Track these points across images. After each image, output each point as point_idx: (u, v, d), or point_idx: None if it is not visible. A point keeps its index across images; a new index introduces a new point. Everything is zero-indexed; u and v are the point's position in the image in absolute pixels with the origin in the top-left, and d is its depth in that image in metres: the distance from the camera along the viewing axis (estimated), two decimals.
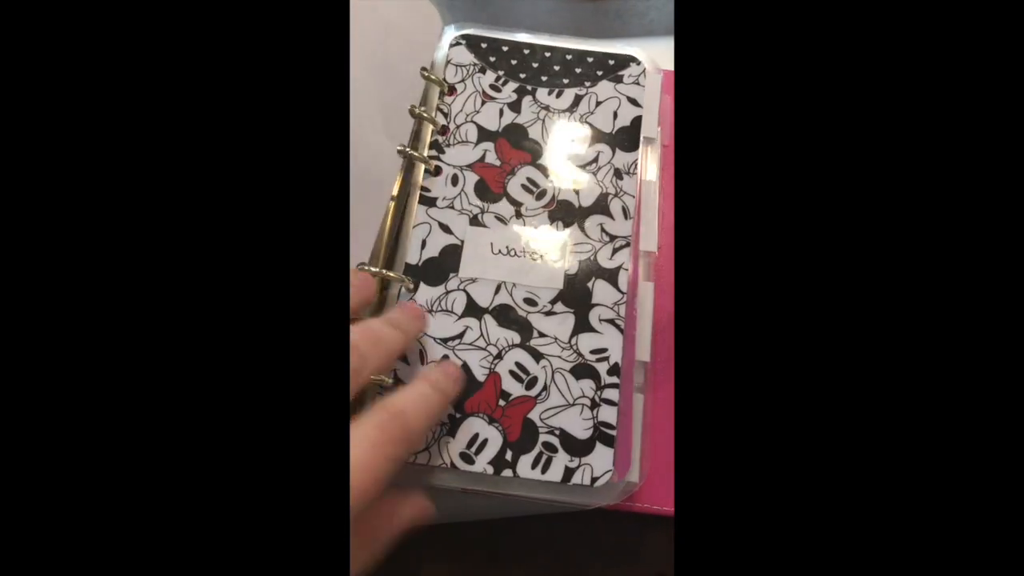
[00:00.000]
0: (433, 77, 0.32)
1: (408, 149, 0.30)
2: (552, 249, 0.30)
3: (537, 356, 0.28)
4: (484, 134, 0.32)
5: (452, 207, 0.30)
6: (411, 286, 0.29)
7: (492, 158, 0.31)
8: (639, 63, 0.33)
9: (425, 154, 0.31)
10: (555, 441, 0.27)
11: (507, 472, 0.26)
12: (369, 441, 0.20)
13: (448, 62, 0.33)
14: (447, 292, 0.29)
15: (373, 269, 0.28)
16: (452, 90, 0.33)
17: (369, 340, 0.23)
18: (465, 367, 0.28)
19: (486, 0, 0.42)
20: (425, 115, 0.31)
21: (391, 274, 0.29)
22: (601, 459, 0.27)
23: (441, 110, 0.32)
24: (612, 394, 0.27)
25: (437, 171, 0.31)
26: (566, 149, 0.32)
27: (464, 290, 0.29)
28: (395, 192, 0.31)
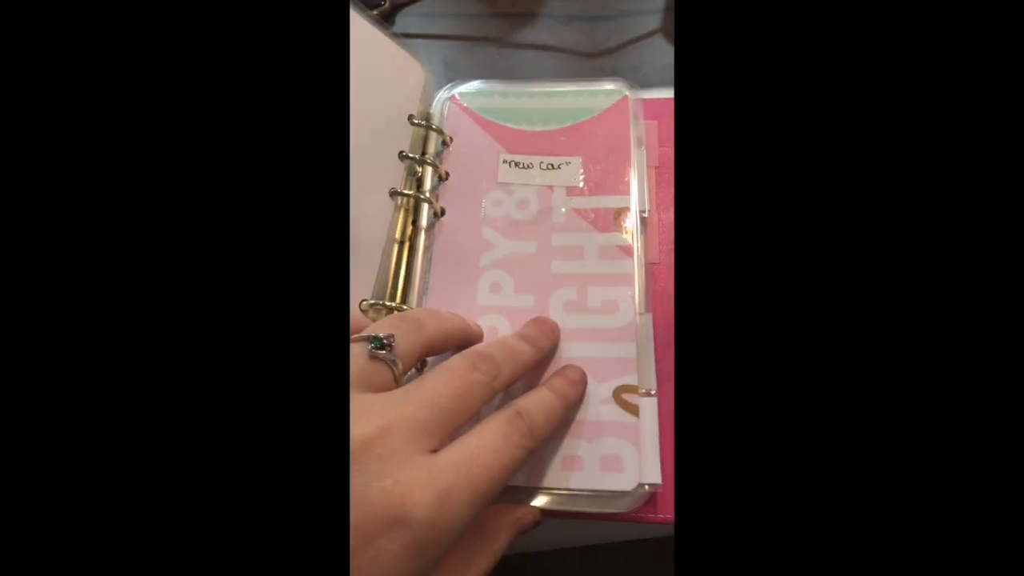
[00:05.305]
0: (434, 127, 0.35)
1: (414, 192, 0.33)
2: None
3: None
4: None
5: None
6: None
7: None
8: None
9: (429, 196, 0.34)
10: None
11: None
12: (501, 431, 0.22)
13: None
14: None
15: (389, 303, 0.30)
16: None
17: (504, 353, 0.25)
18: None
19: (490, 63, 0.46)
20: (429, 161, 0.34)
21: (405, 307, 0.31)
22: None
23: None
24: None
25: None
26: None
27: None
28: (397, 234, 0.33)
